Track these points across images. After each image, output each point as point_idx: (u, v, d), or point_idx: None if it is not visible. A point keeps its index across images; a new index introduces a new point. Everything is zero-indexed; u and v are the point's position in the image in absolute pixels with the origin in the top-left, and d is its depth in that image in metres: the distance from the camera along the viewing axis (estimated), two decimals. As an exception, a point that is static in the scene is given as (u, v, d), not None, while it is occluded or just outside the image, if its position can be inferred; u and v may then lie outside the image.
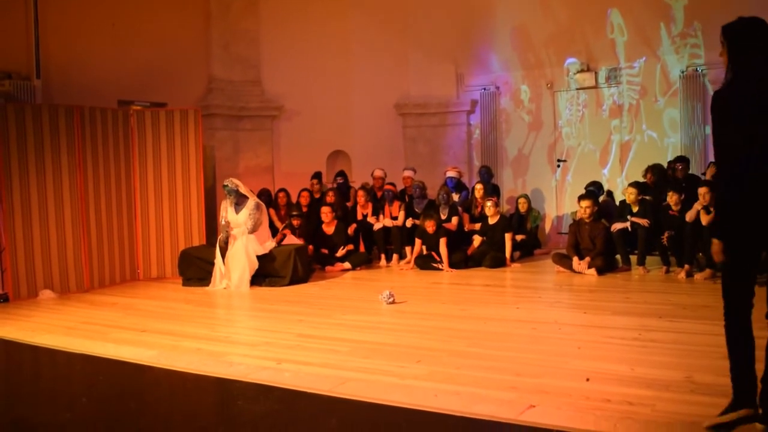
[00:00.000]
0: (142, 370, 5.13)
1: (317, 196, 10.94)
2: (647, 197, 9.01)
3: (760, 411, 3.42)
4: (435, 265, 9.42)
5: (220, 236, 8.77)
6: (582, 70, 11.43)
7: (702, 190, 8.04)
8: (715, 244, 3.60)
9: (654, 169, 9.65)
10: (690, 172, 9.63)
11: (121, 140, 9.29)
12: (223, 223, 8.80)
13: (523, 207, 10.63)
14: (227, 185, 8.81)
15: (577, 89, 11.58)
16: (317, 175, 11.36)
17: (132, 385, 4.98)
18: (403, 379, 4.53)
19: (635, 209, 8.84)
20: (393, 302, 7.08)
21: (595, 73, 11.36)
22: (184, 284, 8.95)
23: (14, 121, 8.14)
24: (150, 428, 3.97)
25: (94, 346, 5.77)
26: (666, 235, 8.31)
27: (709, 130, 10.51)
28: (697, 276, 7.93)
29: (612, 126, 11.37)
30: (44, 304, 7.96)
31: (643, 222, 8.63)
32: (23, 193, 8.24)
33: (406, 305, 7.07)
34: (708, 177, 8.98)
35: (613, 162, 11.38)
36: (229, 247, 8.67)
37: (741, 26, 3.53)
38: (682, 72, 10.70)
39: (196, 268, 8.94)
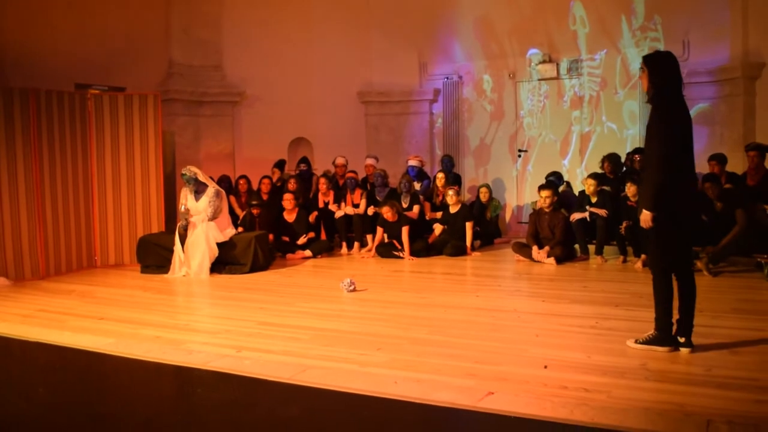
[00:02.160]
0: (101, 359, 5.09)
1: (278, 184, 10.90)
2: (606, 188, 9.16)
3: (683, 339, 4.64)
4: (396, 253, 9.47)
5: (180, 223, 8.70)
6: (544, 61, 11.54)
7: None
8: (646, 215, 4.72)
9: (610, 159, 9.80)
10: (648, 163, 9.79)
11: (78, 125, 9.14)
12: (182, 210, 8.73)
13: (484, 196, 10.71)
14: (185, 174, 8.74)
15: (539, 80, 11.69)
16: (280, 164, 11.33)
17: (90, 373, 4.94)
18: (364, 366, 4.56)
19: (594, 200, 8.98)
20: (354, 290, 7.12)
21: (557, 64, 11.48)
22: (142, 271, 8.87)
23: (-33, 104, 7.97)
24: (108, 417, 3.95)
25: (51, 335, 5.70)
26: (624, 225, 8.46)
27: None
28: (654, 266, 8.09)
29: (573, 117, 11.52)
30: (-2, 291, 7.84)
31: (602, 212, 8.77)
32: (-24, 177, 8.08)
33: (367, 293, 7.11)
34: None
35: (574, 153, 11.53)
36: (189, 234, 8.61)
37: (660, 57, 4.73)
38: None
39: (155, 255, 8.86)
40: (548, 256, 8.64)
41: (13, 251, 8.39)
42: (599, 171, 9.75)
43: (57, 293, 7.68)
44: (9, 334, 5.84)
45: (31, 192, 8.52)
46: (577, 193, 9.91)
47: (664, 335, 4.65)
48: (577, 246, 9.04)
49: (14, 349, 5.59)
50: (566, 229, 8.83)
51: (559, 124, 11.64)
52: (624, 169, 9.83)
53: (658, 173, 4.55)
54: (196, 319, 6.43)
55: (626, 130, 11.14)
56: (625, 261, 8.59)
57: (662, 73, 4.62)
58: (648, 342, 4.70)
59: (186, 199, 8.77)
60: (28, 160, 8.48)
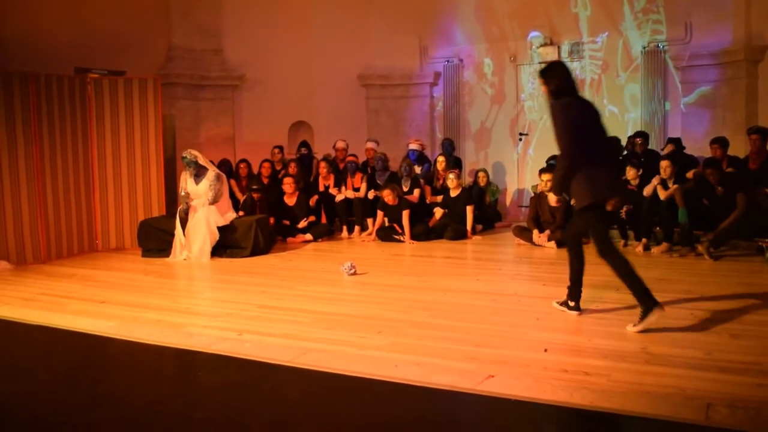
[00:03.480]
0: (102, 342, 5.10)
1: (279, 167, 10.88)
2: (607, 171, 9.11)
3: (573, 303, 5.33)
4: (396, 237, 9.47)
5: (181, 207, 8.69)
6: (545, 44, 11.49)
7: (663, 164, 8.20)
8: (552, 198, 5.54)
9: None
10: (649, 147, 9.77)
11: (78, 109, 9.12)
12: (182, 194, 8.72)
13: (482, 181, 10.70)
14: (186, 157, 8.72)
15: (540, 63, 11.61)
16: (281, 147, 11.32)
17: (92, 356, 4.95)
18: (364, 349, 4.57)
19: (595, 183, 8.94)
20: (354, 274, 7.12)
21: (558, 47, 11.42)
22: (143, 255, 8.88)
23: (-33, 88, 7.94)
24: (110, 399, 3.96)
25: (53, 318, 5.72)
26: (624, 209, 8.44)
27: (669, 105, 10.68)
28: (654, 249, 8.08)
29: (574, 100, 11.45)
30: (0, 276, 7.84)
31: (603, 196, 8.74)
32: (-23, 161, 8.07)
33: (368, 277, 7.11)
34: (666, 152, 9.13)
35: (575, 136, 11.48)
36: (190, 218, 8.61)
37: (550, 68, 5.21)
38: (644, 48, 10.81)
39: (155, 239, 8.86)
40: (549, 240, 8.64)
41: (15, 235, 8.39)
42: (600, 154, 9.71)
43: (58, 277, 7.69)
44: (11, 317, 5.86)
45: (32, 176, 8.51)
46: (577, 177, 9.86)
47: (647, 304, 4.80)
48: (577, 230, 9.02)
49: (16, 331, 5.60)
50: (567, 213, 8.80)
51: (560, 107, 11.58)
52: (625, 152, 9.80)
53: (563, 163, 5.09)
54: (197, 303, 6.43)
55: (627, 113, 11.10)
56: (625, 245, 8.57)
57: (555, 80, 5.09)
58: (642, 319, 4.78)
59: (186, 183, 8.75)
60: (28, 144, 8.46)
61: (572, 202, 5.59)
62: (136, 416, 3.65)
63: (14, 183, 8.36)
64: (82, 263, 8.54)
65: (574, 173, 5.01)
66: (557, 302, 5.48)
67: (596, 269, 7.16)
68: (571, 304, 5.33)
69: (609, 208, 5.35)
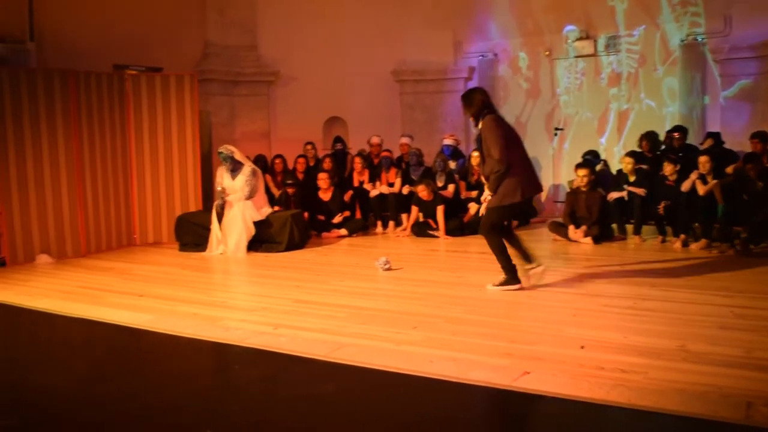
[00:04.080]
0: (139, 335, 5.16)
1: (312, 163, 10.92)
2: (644, 166, 9.02)
3: (532, 265, 6.11)
4: (431, 232, 9.45)
5: (217, 202, 8.77)
6: (581, 38, 11.36)
7: (702, 159, 8.06)
8: (488, 195, 6.18)
9: (648, 137, 9.64)
10: (687, 141, 9.62)
11: (117, 105, 9.24)
12: (218, 189, 8.79)
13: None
14: (222, 152, 8.79)
15: (576, 57, 11.52)
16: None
17: (129, 349, 5.02)
18: (399, 345, 4.57)
19: (632, 178, 8.85)
20: (389, 269, 7.12)
21: (594, 40, 11.29)
22: (180, 249, 8.98)
23: (8, 85, 8.08)
24: (147, 391, 4.01)
25: (92, 311, 5.80)
26: (662, 204, 8.33)
27: (707, 99, 10.50)
28: (693, 246, 7.96)
29: (610, 94, 11.34)
30: (41, 269, 7.99)
31: (640, 191, 8.65)
32: (19, 157, 8.21)
33: (403, 272, 7.10)
34: (705, 147, 8.98)
35: (611, 131, 11.37)
36: (226, 213, 8.68)
37: (468, 94, 6.18)
38: (682, 41, 10.63)
39: (192, 233, 8.96)
40: (585, 236, 8.55)
41: (55, 230, 8.54)
42: (637, 149, 9.61)
43: (97, 270, 7.80)
44: (51, 309, 5.96)
45: (72, 172, 8.64)
46: (614, 172, 9.78)
47: (511, 276, 6.06)
48: (614, 225, 8.93)
49: (56, 324, 5.69)
50: (603, 209, 8.72)
51: (596, 101, 11.47)
52: (662, 147, 9.66)
53: (500, 167, 5.88)
54: (233, 297, 6.49)
55: (665, 107, 10.93)
56: (663, 241, 8.47)
57: (474, 104, 6.06)
58: (502, 284, 6.08)
59: (222, 178, 8.82)
60: (68, 140, 8.60)
61: (485, 198, 6.33)
62: (173, 408, 3.69)
63: (55, 178, 8.50)
64: (120, 257, 8.66)
65: (506, 176, 5.91)
66: (493, 284, 6.14)
67: (633, 266, 7.11)
68: (531, 265, 6.14)
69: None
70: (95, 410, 3.71)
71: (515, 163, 5.94)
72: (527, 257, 6.15)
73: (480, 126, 6.07)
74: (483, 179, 6.46)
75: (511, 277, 6.08)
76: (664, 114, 10.92)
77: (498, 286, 6.09)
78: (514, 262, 6.11)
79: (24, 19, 8.96)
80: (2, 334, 5.91)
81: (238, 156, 8.83)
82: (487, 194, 6.22)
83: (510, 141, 5.99)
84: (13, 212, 8.19)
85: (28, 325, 5.92)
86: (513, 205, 6.00)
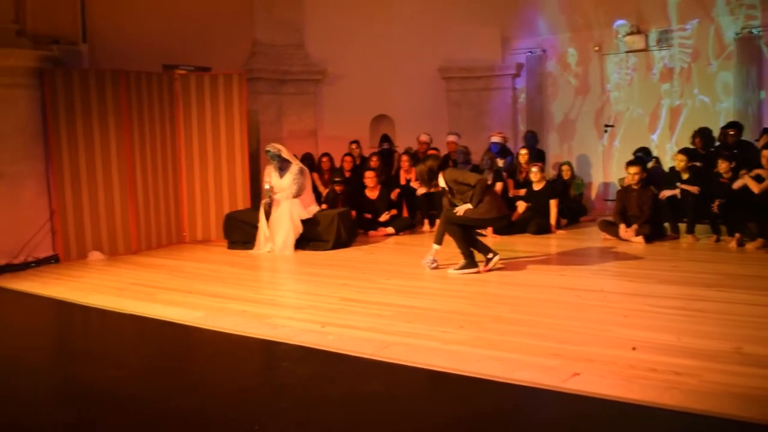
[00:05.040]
0: (189, 331, 5.25)
1: (358, 161, 10.96)
2: (697, 164, 8.84)
3: (490, 255, 7.05)
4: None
5: (264, 200, 8.85)
6: (632, 33, 11.17)
7: (766, 153, 7.85)
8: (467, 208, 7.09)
9: (701, 133, 9.43)
10: (743, 138, 9.40)
11: (167, 104, 9.40)
12: (267, 187, 8.88)
13: (566, 174, 10.54)
14: (270, 150, 8.86)
15: (627, 52, 11.33)
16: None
17: (180, 345, 5.10)
18: (446, 344, 4.56)
19: (685, 176, 8.69)
20: (436, 267, 7.11)
21: (646, 35, 11.09)
22: (229, 247, 9.09)
23: (62, 86, 8.29)
24: (198, 387, 4.07)
25: (143, 307, 5.92)
26: (716, 203, 8.16)
27: (764, 94, 10.24)
28: (749, 245, 7.78)
29: (662, 90, 11.13)
30: (93, 266, 8.17)
31: (693, 189, 8.48)
32: (72, 156, 8.41)
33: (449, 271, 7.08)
34: (762, 144, 8.76)
35: (663, 127, 11.16)
36: (273, 211, 8.75)
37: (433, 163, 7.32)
38: (737, 34, 10.38)
39: (240, 231, 9.06)
40: (636, 235, 8.42)
41: (108, 228, 8.73)
42: (690, 146, 9.42)
43: (148, 267, 7.95)
44: (104, 306, 6.10)
45: (124, 170, 8.82)
46: (666, 170, 9.60)
47: (470, 261, 6.97)
48: (666, 224, 8.77)
49: (109, 320, 5.82)
50: (655, 207, 8.57)
51: (647, 97, 11.28)
52: (716, 144, 9.46)
53: (482, 185, 7.00)
54: (281, 295, 6.55)
55: (719, 103, 10.69)
56: (717, 240, 8.29)
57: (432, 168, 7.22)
58: (461, 268, 6.92)
59: (270, 177, 8.90)
60: (120, 140, 8.77)
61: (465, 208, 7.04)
62: (222, 404, 3.74)
63: (107, 177, 8.69)
64: (170, 254, 8.81)
65: (487, 192, 7.05)
66: (454, 268, 6.98)
67: (686, 265, 6.98)
68: (489, 255, 7.05)
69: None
70: (149, 405, 3.79)
71: (490, 187, 7.38)
72: (485, 249, 7.12)
73: (442, 179, 7.12)
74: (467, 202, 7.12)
75: (470, 261, 6.96)
76: (718, 110, 10.68)
77: (458, 269, 6.94)
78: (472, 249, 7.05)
79: (77, 22, 9.14)
80: (57, 329, 6.07)
81: (285, 154, 8.90)
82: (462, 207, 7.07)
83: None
84: (66, 210, 8.39)
85: (82, 321, 6.07)
86: (485, 220, 7.27)
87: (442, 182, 7.20)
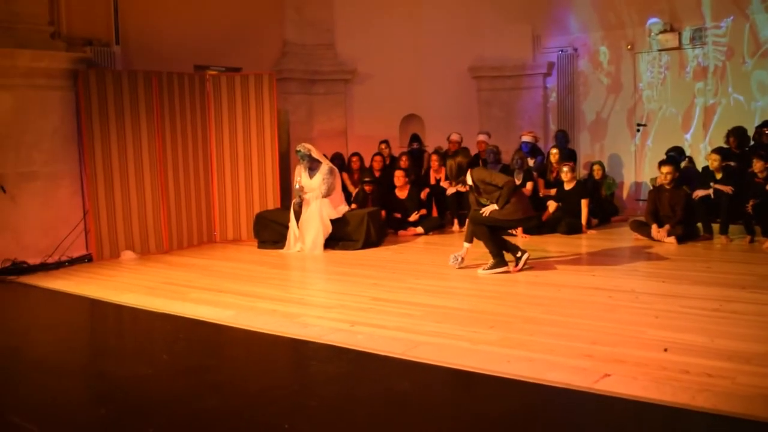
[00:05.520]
0: (220, 330, 5.30)
1: (388, 161, 10.97)
2: (731, 163, 8.73)
3: (519, 254, 7.02)
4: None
5: (294, 200, 8.90)
6: (665, 31, 11.04)
7: None
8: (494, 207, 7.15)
9: (736, 133, 9.30)
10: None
11: (198, 105, 9.49)
12: (297, 187, 8.93)
13: (597, 174, 10.46)
14: (300, 150, 8.91)
15: (660, 50, 11.21)
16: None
17: (211, 343, 5.15)
18: (476, 344, 4.55)
19: (718, 176, 8.58)
20: (463, 266, 7.13)
21: (679, 33, 10.96)
22: (259, 246, 9.16)
23: (95, 87, 8.40)
24: (227, 384, 4.11)
25: (174, 306, 5.99)
26: (751, 203, 8.05)
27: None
28: (784, 246, 7.67)
29: (696, 89, 10.99)
30: (126, 265, 8.28)
31: (727, 189, 8.37)
32: (105, 156, 8.53)
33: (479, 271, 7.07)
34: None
35: (696, 126, 11.03)
36: (303, 210, 8.80)
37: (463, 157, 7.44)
38: (773, 32, 10.23)
39: (271, 231, 9.12)
40: (669, 235, 8.33)
41: (139, 227, 8.84)
42: (724, 146, 9.30)
43: (179, 266, 8.04)
44: (136, 304, 6.17)
45: (155, 171, 8.93)
46: (700, 169, 9.49)
47: (500, 260, 6.97)
48: (699, 225, 8.67)
49: (141, 318, 5.90)
50: (688, 207, 8.47)
51: (680, 96, 11.14)
52: (751, 143, 9.32)
53: (510, 187, 6.97)
54: (311, 294, 6.59)
55: (755, 102, 10.53)
56: (752, 241, 8.17)
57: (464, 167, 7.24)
58: (491, 268, 6.93)
59: (300, 176, 8.95)
60: (152, 140, 8.88)
61: (492, 207, 7.08)
62: (252, 402, 3.78)
63: (139, 177, 8.80)
64: (201, 254, 8.89)
65: (514, 194, 7.01)
66: (483, 269, 6.99)
67: (719, 266, 6.90)
68: (519, 254, 7.03)
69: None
70: (179, 402, 3.84)
71: (518, 188, 7.27)
72: (513, 248, 7.12)
73: (470, 177, 7.16)
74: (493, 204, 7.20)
75: (500, 260, 6.97)
76: (753, 109, 10.52)
77: (488, 269, 6.95)
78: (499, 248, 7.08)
79: (110, 24, 9.27)
80: (90, 328, 6.16)
81: (315, 154, 8.94)
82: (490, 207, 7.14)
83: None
84: (99, 210, 8.51)
85: (114, 319, 6.16)
86: (511, 221, 7.25)
87: (469, 180, 7.20)
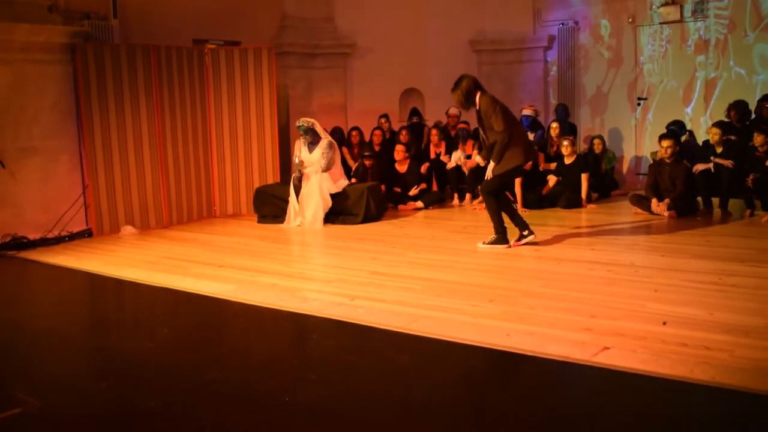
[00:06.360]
0: (221, 304, 5.31)
1: (387, 136, 10.93)
2: (732, 137, 8.70)
3: (525, 232, 6.92)
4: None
5: (294, 175, 8.89)
6: (666, 3, 10.96)
7: None
8: (478, 159, 7.44)
9: (737, 106, 9.27)
10: (780, 111, 9.22)
11: (197, 79, 9.44)
12: (296, 161, 8.91)
13: (597, 148, 10.45)
14: (302, 125, 8.85)
15: (661, 23, 11.14)
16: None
17: (211, 318, 5.17)
18: (476, 317, 4.57)
19: (719, 150, 8.55)
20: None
21: (681, 6, 10.88)
22: (259, 221, 9.16)
23: (93, 61, 8.34)
24: (229, 359, 4.13)
25: (175, 280, 6.00)
26: (751, 177, 8.03)
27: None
28: (783, 219, 7.67)
29: (697, 62, 10.93)
30: (126, 240, 8.29)
31: (727, 163, 8.35)
32: (104, 131, 8.49)
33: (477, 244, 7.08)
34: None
35: (697, 100, 10.98)
36: (303, 185, 8.79)
37: (463, 78, 7.00)
38: (775, 4, 10.15)
39: (270, 205, 9.12)
40: (668, 209, 8.33)
41: (139, 202, 8.83)
42: (725, 119, 9.26)
43: (179, 241, 8.04)
44: (136, 279, 6.19)
45: (155, 145, 8.90)
46: (700, 143, 9.46)
47: (502, 237, 6.86)
48: (699, 199, 8.66)
49: (141, 293, 5.91)
50: (688, 181, 8.45)
51: (682, 69, 11.09)
52: (752, 117, 9.29)
53: (504, 139, 6.67)
54: (311, 268, 6.60)
55: (756, 75, 10.47)
56: (752, 215, 8.17)
57: (460, 87, 6.90)
58: (491, 243, 6.85)
59: (300, 151, 8.93)
60: (151, 114, 8.85)
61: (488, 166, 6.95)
62: (252, 376, 3.80)
63: (138, 152, 8.77)
64: (201, 228, 8.90)
65: (509, 146, 6.70)
66: (484, 242, 6.91)
67: (719, 240, 6.90)
68: (525, 232, 6.93)
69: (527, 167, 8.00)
70: (181, 376, 3.87)
71: (515, 133, 6.78)
72: (522, 225, 6.95)
73: (477, 105, 6.86)
74: (478, 157, 7.39)
75: (502, 237, 6.87)
76: (755, 82, 10.47)
77: (488, 244, 6.87)
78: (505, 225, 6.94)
79: (108, -3, 9.21)
80: (91, 303, 6.18)
81: (318, 128, 8.91)
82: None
83: (508, 116, 6.81)
84: (99, 185, 8.49)
85: (115, 294, 6.17)
86: (514, 169, 6.90)
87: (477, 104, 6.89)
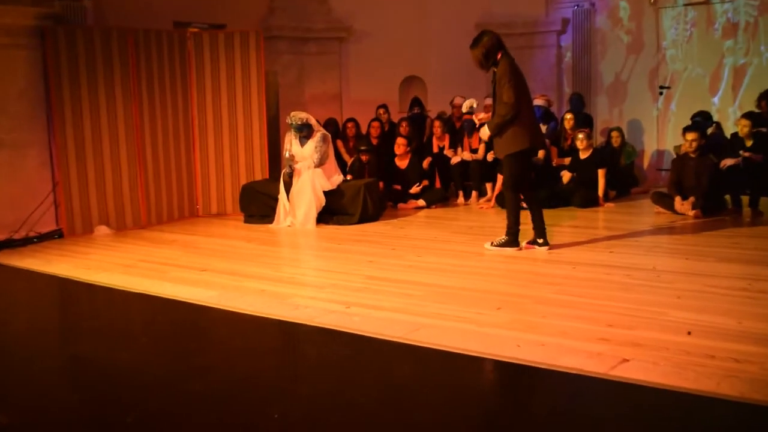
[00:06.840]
0: (203, 311, 5.31)
1: (386, 128, 10.93)
2: (763, 129, 8.71)
3: (541, 240, 6.81)
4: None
5: (284, 171, 8.88)
6: (692, -17, 11.00)
7: None
8: (486, 133, 6.88)
9: None
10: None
11: (178, 65, 9.44)
12: (287, 156, 8.91)
13: (616, 141, 10.46)
14: (294, 122, 8.75)
15: (685, 5, 11.16)
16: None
17: (192, 326, 5.16)
18: (482, 326, 4.56)
19: (749, 143, 8.57)
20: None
21: (708, -14, 10.92)
22: (246, 221, 9.16)
23: (65, 46, 8.33)
24: (210, 370, 4.12)
25: (153, 285, 5.99)
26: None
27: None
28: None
29: (725, 47, 10.95)
30: (100, 241, 8.29)
31: (757, 158, 8.36)
32: (76, 123, 8.48)
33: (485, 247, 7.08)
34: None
35: (725, 89, 11.00)
36: (294, 182, 8.79)
37: (484, 34, 6.92)
38: (810, -16, 10.18)
39: (258, 204, 9.12)
40: (693, 208, 8.34)
41: (114, 200, 8.83)
42: (755, 110, 9.29)
43: (159, 243, 8.04)
44: (111, 284, 6.18)
45: (132, 138, 8.90)
46: (728, 136, 9.47)
47: (513, 239, 6.79)
48: (727, 197, 8.68)
49: (116, 299, 5.91)
50: (715, 177, 8.47)
51: (708, 55, 11.11)
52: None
53: (508, 111, 6.44)
54: (302, 272, 6.59)
55: (790, 62, 10.52)
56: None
57: (481, 44, 6.77)
58: (500, 245, 6.80)
59: (291, 145, 8.93)
60: (127, 104, 8.84)
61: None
62: (238, 389, 3.79)
63: (113, 145, 8.77)
64: (182, 229, 8.90)
65: (513, 123, 6.46)
66: (492, 243, 6.85)
67: (748, 242, 6.91)
68: (540, 240, 6.82)
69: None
70: (161, 387, 3.86)
71: (523, 111, 6.52)
72: (540, 232, 6.82)
73: (498, 68, 6.67)
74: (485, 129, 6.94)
75: (513, 239, 6.80)
76: (789, 69, 10.51)
77: (496, 245, 6.84)
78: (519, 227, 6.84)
79: (80, -25, 9.21)
80: (61, 309, 6.17)
81: (313, 122, 8.89)
82: (484, 133, 6.94)
83: (521, 89, 6.57)
84: (70, 181, 8.49)
85: (88, 300, 6.16)
86: (523, 152, 6.61)
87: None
